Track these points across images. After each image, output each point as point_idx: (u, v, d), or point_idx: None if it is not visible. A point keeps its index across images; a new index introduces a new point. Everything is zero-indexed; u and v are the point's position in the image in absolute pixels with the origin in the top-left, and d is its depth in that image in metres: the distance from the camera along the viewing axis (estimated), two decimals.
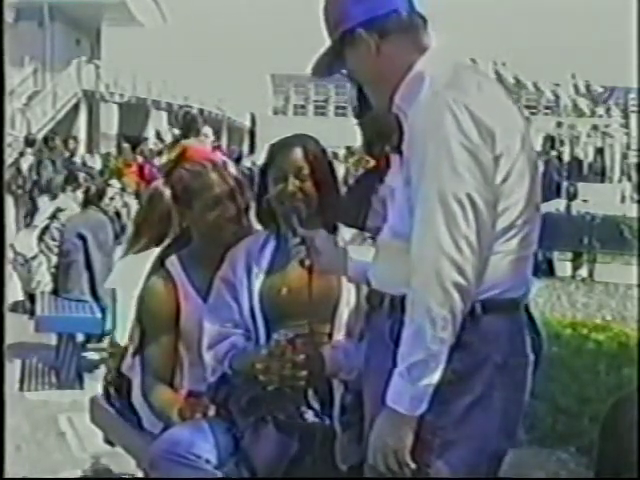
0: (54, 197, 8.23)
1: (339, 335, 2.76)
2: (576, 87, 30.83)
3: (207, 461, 2.69)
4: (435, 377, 2.12)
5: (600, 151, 26.76)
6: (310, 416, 2.70)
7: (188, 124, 8.09)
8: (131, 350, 3.28)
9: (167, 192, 3.49)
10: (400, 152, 2.23)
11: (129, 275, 3.57)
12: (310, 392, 2.71)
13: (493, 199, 2.14)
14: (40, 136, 18.58)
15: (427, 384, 2.12)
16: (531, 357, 2.30)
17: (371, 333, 2.39)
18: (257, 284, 2.81)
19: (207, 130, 10.59)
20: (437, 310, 2.09)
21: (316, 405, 2.71)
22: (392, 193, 2.28)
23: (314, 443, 2.70)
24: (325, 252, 2.53)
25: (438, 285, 2.09)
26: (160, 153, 15.55)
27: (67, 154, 15.31)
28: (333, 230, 2.83)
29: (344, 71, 2.38)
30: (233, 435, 2.74)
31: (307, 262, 2.54)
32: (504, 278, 2.19)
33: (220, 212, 3.01)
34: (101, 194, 7.39)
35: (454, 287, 2.09)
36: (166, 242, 3.35)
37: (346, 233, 2.87)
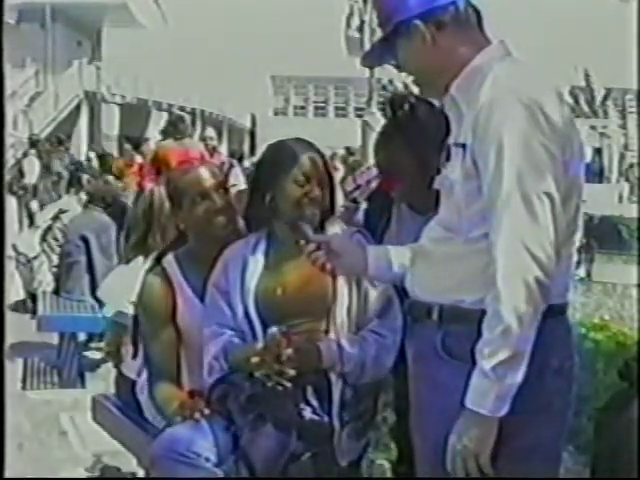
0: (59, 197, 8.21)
1: (334, 332, 2.76)
2: (574, 87, 30.81)
3: (207, 459, 2.69)
4: (519, 376, 2.09)
5: (598, 151, 26.80)
6: (308, 413, 2.71)
7: (172, 125, 8.04)
8: (131, 352, 3.31)
9: (156, 193, 3.52)
10: (462, 145, 2.18)
11: (120, 286, 3.59)
12: (309, 389, 2.72)
13: (563, 201, 2.13)
14: (43, 136, 18.60)
15: (511, 383, 2.09)
16: (576, 359, 2.31)
17: (417, 345, 2.33)
18: (252, 286, 2.81)
19: (210, 132, 10.58)
20: (524, 308, 2.07)
21: (314, 402, 2.72)
22: (451, 186, 2.22)
23: (313, 440, 2.71)
24: (345, 253, 2.43)
25: (522, 282, 2.07)
26: None
27: (69, 154, 15.34)
28: (321, 226, 2.83)
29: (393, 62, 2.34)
30: (232, 433, 2.75)
31: (328, 266, 2.44)
32: (558, 282, 2.17)
33: (208, 205, 3.02)
34: (103, 195, 7.39)
35: (537, 284, 2.07)
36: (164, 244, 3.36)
37: (334, 228, 2.87)
